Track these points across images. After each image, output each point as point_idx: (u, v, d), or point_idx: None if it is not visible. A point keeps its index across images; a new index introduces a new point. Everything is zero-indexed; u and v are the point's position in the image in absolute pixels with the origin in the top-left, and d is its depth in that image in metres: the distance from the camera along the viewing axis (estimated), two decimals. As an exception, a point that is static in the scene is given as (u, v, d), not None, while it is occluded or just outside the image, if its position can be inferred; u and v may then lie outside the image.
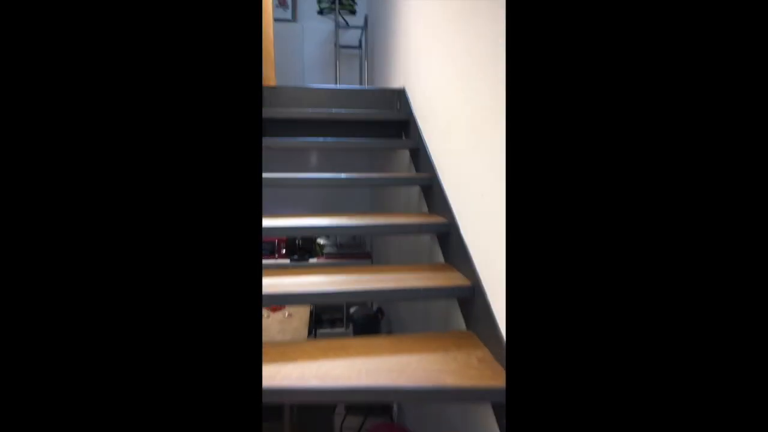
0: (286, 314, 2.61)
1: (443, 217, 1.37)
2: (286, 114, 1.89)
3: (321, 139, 1.78)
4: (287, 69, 3.86)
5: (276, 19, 3.92)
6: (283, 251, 3.74)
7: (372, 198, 3.67)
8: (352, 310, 3.62)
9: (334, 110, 1.94)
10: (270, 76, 2.08)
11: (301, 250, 3.74)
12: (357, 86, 2.05)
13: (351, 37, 4.01)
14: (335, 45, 3.36)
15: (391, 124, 2.05)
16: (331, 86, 1.91)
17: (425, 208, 1.63)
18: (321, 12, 3.64)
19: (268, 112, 1.86)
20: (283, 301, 1.19)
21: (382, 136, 2.07)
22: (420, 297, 1.48)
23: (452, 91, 1.34)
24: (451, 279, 1.14)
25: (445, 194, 1.39)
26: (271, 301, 1.09)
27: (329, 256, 3.74)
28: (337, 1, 3.45)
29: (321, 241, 3.82)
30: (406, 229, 1.44)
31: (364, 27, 3.45)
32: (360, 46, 3.90)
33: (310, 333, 3.21)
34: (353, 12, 3.67)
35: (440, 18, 1.48)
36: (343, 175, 1.56)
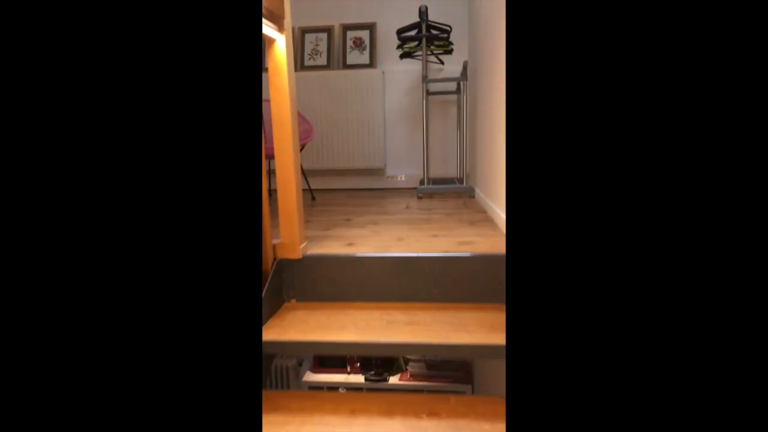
0: None
1: None
2: (313, 350, 1.02)
3: None
4: (366, 124, 3.02)
5: (350, 66, 3.10)
6: (357, 364, 2.95)
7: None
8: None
9: (386, 341, 1.02)
10: (293, 242, 1.23)
11: (378, 366, 2.91)
12: (439, 254, 1.11)
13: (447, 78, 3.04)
14: (424, 93, 2.42)
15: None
16: (395, 255, 1.21)
17: None
18: (410, 55, 2.72)
19: (274, 331, 1.01)
20: None
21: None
22: None
23: None
24: None
25: None
26: None
27: (415, 376, 2.86)
28: (424, 44, 2.49)
29: (405, 352, 2.95)
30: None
31: (463, 75, 2.46)
32: (458, 91, 2.92)
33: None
34: (449, 52, 2.69)
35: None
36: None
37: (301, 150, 2.75)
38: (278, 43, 1.12)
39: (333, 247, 1.35)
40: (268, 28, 1.06)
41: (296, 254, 1.23)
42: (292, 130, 1.17)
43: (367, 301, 1.24)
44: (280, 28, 1.11)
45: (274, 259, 1.23)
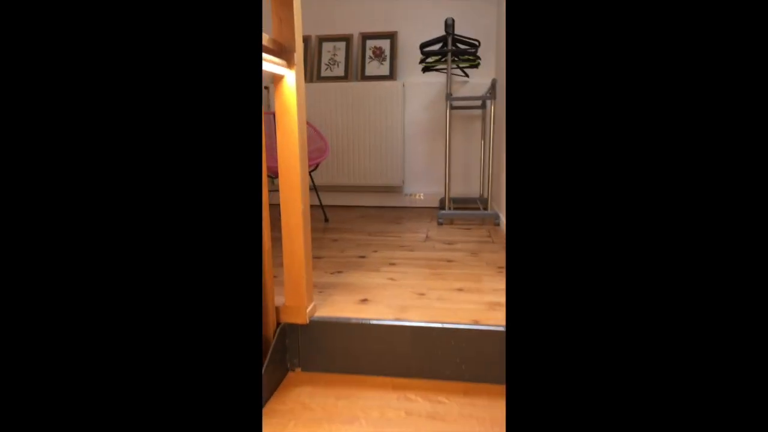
0: None
1: None
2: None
3: None
4: (384, 139, 2.86)
5: (369, 77, 2.93)
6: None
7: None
8: None
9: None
10: (299, 305, 1.07)
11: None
12: (467, 325, 0.96)
13: (471, 92, 2.85)
14: (447, 109, 2.25)
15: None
16: (415, 324, 1.10)
17: None
18: (434, 67, 2.55)
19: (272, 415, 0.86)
20: None
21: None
22: None
23: None
24: None
25: None
26: None
27: None
28: (449, 60, 2.32)
29: None
30: None
31: (491, 94, 2.27)
32: (483, 106, 2.73)
33: None
34: (476, 66, 2.51)
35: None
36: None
37: (315, 169, 2.61)
38: (287, 79, 0.96)
39: (344, 304, 1.19)
40: (275, 66, 0.90)
41: (302, 319, 1.07)
42: (302, 178, 1.01)
43: (382, 375, 1.08)
44: (290, 64, 0.95)
45: (277, 323, 1.08)
